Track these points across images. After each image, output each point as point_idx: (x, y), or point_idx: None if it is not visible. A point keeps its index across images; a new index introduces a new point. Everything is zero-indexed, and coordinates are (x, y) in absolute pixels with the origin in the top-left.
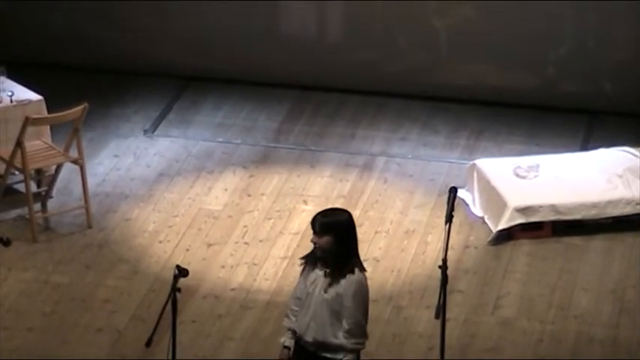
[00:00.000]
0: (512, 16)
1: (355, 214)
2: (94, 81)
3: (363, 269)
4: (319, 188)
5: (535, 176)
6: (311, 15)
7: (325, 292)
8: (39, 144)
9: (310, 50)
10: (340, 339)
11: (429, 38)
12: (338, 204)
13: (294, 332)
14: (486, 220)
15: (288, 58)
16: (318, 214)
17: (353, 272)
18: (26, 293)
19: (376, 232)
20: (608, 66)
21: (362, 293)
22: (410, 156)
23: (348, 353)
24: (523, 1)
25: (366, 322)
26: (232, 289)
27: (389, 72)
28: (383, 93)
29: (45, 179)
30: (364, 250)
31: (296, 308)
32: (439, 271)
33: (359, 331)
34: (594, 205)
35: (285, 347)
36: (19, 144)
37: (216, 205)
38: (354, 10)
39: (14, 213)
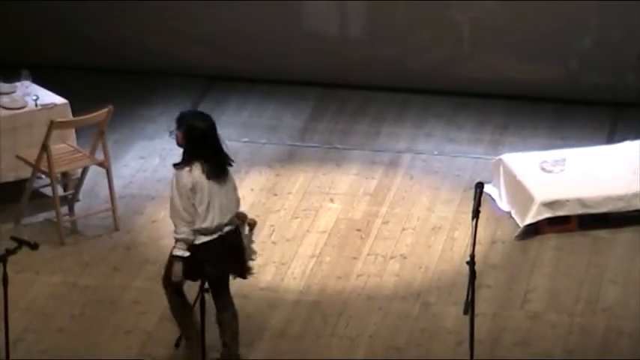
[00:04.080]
0: (534, 8)
1: (382, 211)
2: (119, 83)
3: (185, 167)
4: (345, 186)
5: (561, 170)
6: (333, 12)
7: None
8: (64, 147)
9: (333, 47)
10: None
11: (451, 33)
12: (364, 202)
13: None
14: (513, 215)
15: (311, 56)
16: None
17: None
18: (54, 296)
19: (403, 229)
20: (632, 57)
21: (171, 189)
22: (435, 152)
23: None
24: None
25: (182, 214)
26: (261, 289)
27: (412, 68)
28: (407, 89)
29: (71, 182)
30: (391, 247)
31: None
32: (467, 266)
33: (173, 221)
34: (620, 198)
35: None
36: (44, 148)
37: (242, 205)
38: (376, 6)
39: (41, 217)
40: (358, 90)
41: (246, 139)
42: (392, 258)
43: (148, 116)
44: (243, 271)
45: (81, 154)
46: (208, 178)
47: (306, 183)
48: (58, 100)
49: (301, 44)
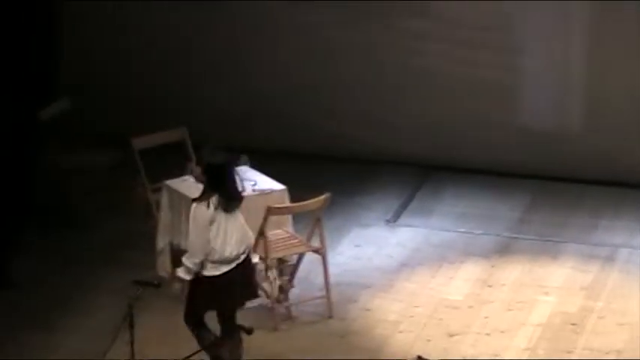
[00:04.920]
0: None
1: (598, 306)
2: (336, 170)
3: (203, 201)
4: (561, 279)
5: None
6: (550, 105)
7: None
8: (281, 233)
9: (549, 140)
10: None
11: None
12: (580, 295)
13: None
14: None
15: (527, 148)
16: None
17: None
18: None
19: (619, 325)
20: None
21: (191, 219)
22: None
23: None
24: None
25: (196, 245)
26: None
27: (630, 162)
28: (624, 183)
29: (286, 268)
30: (607, 343)
31: None
32: None
33: (189, 249)
34: None
35: None
36: (261, 233)
37: (457, 295)
38: (594, 100)
39: (256, 302)
40: (574, 183)
41: (462, 230)
42: (607, 353)
43: (364, 204)
44: (254, 294)
45: (297, 241)
46: (223, 210)
47: (521, 275)
48: (276, 186)
49: (518, 137)
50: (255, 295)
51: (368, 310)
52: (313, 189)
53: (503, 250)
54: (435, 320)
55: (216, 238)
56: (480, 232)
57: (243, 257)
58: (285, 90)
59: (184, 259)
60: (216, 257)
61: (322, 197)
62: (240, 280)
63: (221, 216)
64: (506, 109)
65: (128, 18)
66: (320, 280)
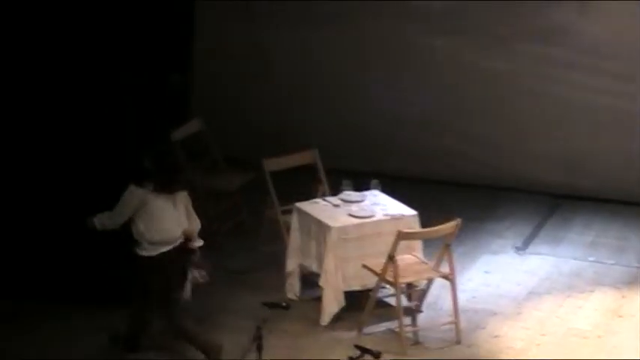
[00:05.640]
0: None
1: None
2: (467, 196)
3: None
4: None
5: None
6: None
7: None
8: (410, 258)
9: None
10: None
11: None
12: None
13: None
14: None
15: None
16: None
17: None
18: None
19: None
20: None
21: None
22: None
23: None
24: None
25: (114, 215)
26: None
27: None
28: None
29: (415, 293)
30: None
31: None
32: None
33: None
34: None
35: None
36: (390, 258)
37: (585, 324)
38: None
39: (384, 326)
40: None
41: (592, 259)
42: None
43: (495, 231)
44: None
45: (426, 266)
46: (158, 193)
47: None
48: (407, 211)
49: None
50: (185, 278)
51: (496, 336)
52: (444, 214)
53: (635, 281)
54: (562, 349)
55: (150, 220)
56: (611, 262)
57: (179, 241)
58: (418, 116)
59: (100, 214)
60: (154, 239)
61: (453, 223)
62: (172, 262)
63: (156, 199)
64: (632, 138)
65: (259, 40)
66: (448, 305)
